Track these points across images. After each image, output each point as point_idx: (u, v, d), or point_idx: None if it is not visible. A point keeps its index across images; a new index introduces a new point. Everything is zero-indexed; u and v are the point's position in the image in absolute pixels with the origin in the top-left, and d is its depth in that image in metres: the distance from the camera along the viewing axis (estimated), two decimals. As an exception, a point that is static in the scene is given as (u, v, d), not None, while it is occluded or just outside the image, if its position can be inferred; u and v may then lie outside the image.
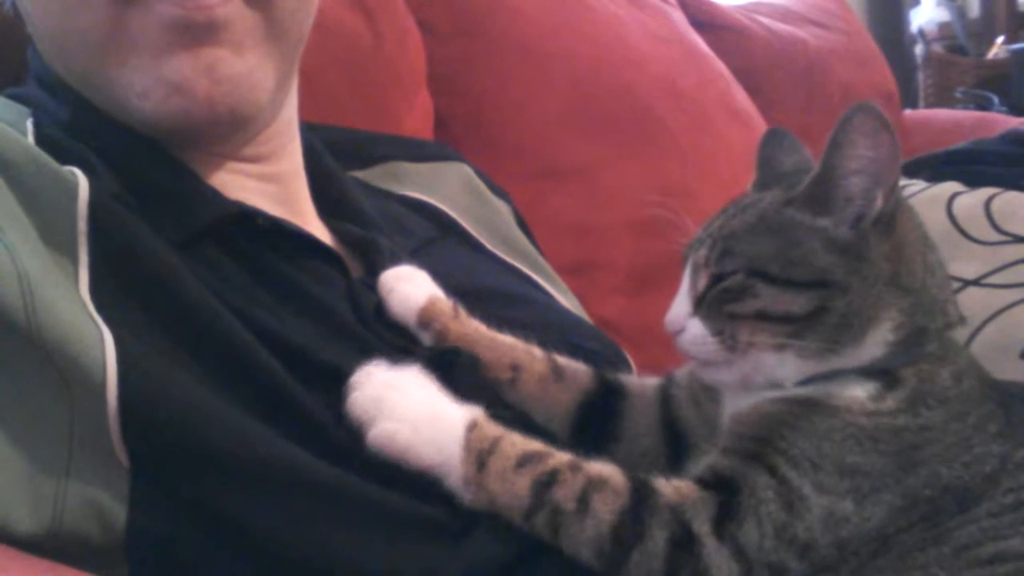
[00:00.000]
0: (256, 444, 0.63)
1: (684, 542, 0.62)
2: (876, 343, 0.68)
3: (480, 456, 0.65)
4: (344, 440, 0.65)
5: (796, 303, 0.67)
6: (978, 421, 0.67)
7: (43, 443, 0.61)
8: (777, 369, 0.68)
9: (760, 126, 1.79)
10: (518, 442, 0.66)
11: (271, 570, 0.63)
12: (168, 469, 0.63)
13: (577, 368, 0.80)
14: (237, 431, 0.63)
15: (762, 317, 0.67)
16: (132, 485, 0.62)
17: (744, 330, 0.68)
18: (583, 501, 0.63)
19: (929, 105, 2.98)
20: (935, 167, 1.60)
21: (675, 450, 0.76)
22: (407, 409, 0.66)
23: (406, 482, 0.65)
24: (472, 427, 0.66)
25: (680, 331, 0.71)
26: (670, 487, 0.65)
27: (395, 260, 0.83)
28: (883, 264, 0.68)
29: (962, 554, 0.63)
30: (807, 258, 0.67)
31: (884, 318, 0.67)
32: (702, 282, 0.70)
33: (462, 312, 0.80)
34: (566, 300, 1.04)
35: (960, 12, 3.12)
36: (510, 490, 0.64)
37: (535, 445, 0.66)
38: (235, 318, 0.67)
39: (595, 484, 0.64)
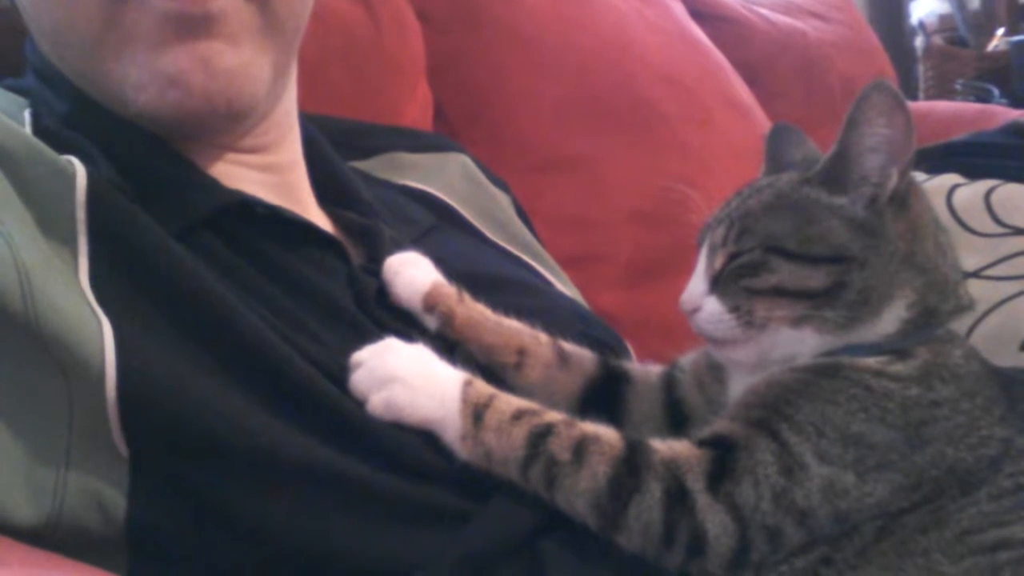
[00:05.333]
0: (257, 433, 0.63)
1: (679, 497, 0.63)
2: (891, 319, 0.69)
3: (477, 410, 0.66)
4: (346, 425, 0.66)
5: (814, 278, 0.68)
6: (985, 403, 0.68)
7: (42, 434, 0.61)
8: (794, 345, 0.69)
9: (760, 118, 1.79)
10: (513, 400, 0.68)
11: (271, 558, 0.63)
12: (168, 459, 0.63)
13: (582, 354, 0.81)
14: (237, 420, 0.63)
15: (779, 293, 0.68)
16: (132, 475, 0.62)
17: (761, 306, 0.69)
18: (578, 452, 0.64)
19: (929, 97, 2.98)
20: (935, 159, 1.59)
21: (679, 436, 0.76)
22: (404, 370, 0.68)
23: (407, 468, 0.65)
24: (468, 383, 0.68)
25: (696, 310, 0.71)
26: (665, 445, 0.66)
27: (396, 247, 0.83)
28: (898, 242, 0.69)
29: (964, 539, 0.63)
30: (824, 234, 0.68)
31: (899, 296, 0.69)
32: (719, 261, 0.71)
33: (467, 296, 0.80)
34: (567, 289, 1.04)
35: (960, 4, 3.11)
36: (506, 442, 0.65)
37: (529, 403, 0.68)
38: (236, 307, 0.67)
39: (590, 437, 0.65)
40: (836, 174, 0.69)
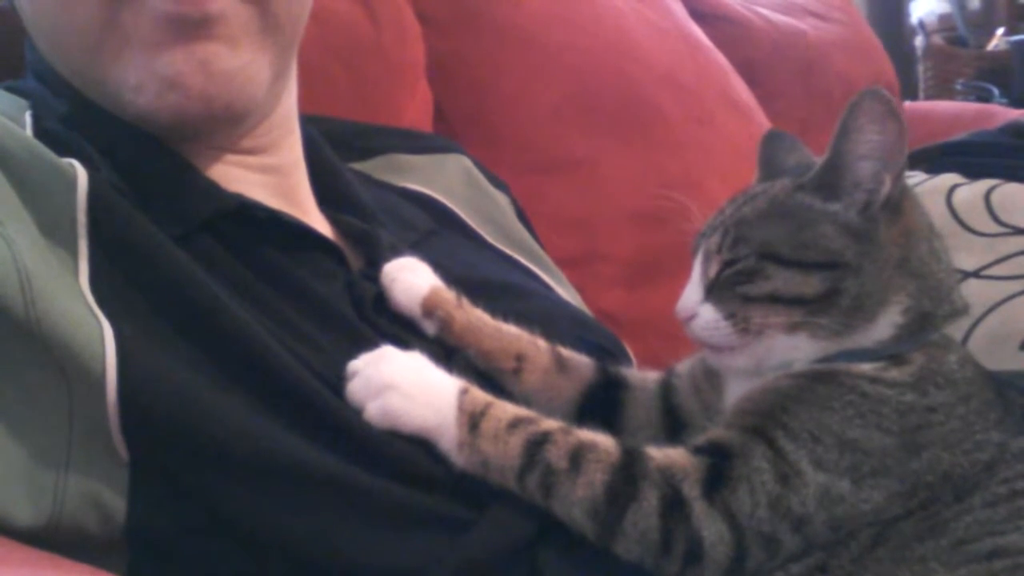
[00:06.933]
0: (257, 437, 0.63)
1: (675, 504, 0.63)
2: (886, 325, 0.69)
3: (473, 418, 0.66)
4: (345, 431, 0.66)
5: (808, 284, 0.68)
6: (981, 407, 0.68)
7: (43, 436, 0.61)
8: (789, 351, 0.69)
9: (760, 118, 1.79)
10: (509, 408, 0.68)
11: (271, 563, 0.63)
12: (168, 462, 0.63)
13: (580, 360, 0.81)
14: (238, 424, 0.63)
15: (774, 299, 0.69)
16: (132, 478, 0.62)
17: (756, 313, 0.69)
18: (575, 460, 0.64)
19: (929, 97, 2.98)
20: (935, 159, 1.60)
21: (676, 442, 0.76)
22: (400, 378, 0.68)
23: (406, 475, 0.65)
24: (464, 391, 0.68)
25: (692, 317, 0.72)
26: (660, 452, 0.66)
27: (395, 252, 0.83)
28: (892, 248, 0.69)
29: (960, 548, 0.63)
30: (818, 241, 0.69)
31: (893, 301, 0.69)
32: (714, 268, 0.72)
33: (465, 302, 0.80)
34: (566, 292, 1.04)
35: (960, 4, 3.11)
36: (503, 451, 0.65)
37: (526, 411, 0.68)
38: (235, 312, 0.67)
39: (586, 445, 0.65)
40: (829, 180, 0.70)
